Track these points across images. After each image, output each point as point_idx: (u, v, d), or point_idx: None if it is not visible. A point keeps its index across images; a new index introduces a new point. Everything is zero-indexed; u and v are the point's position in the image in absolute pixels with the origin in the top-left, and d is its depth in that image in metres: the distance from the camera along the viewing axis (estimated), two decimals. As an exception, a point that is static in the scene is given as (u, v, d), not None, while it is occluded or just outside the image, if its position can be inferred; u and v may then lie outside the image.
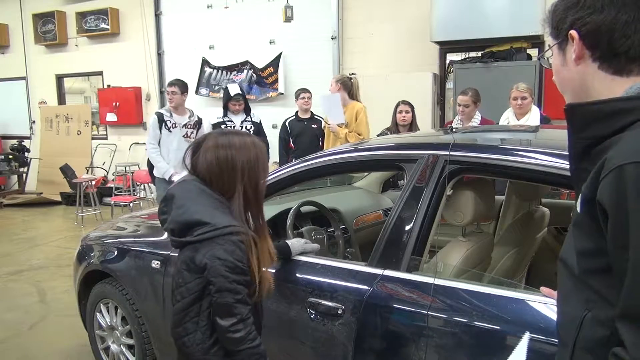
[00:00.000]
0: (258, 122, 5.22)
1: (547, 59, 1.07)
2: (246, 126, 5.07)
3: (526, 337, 1.12)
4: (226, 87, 5.38)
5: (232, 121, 5.07)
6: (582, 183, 0.88)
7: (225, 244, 1.51)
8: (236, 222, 1.56)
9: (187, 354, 1.61)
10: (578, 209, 0.90)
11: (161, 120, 4.74)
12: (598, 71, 0.91)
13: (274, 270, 1.87)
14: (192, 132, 4.84)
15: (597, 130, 0.87)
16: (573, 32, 0.91)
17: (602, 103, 0.87)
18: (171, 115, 4.79)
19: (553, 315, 1.26)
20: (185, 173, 1.78)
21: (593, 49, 0.90)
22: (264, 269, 1.63)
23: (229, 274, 1.50)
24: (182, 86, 4.86)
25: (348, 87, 4.81)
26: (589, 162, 0.87)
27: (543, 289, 1.43)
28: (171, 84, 4.88)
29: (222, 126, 5.01)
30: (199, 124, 4.95)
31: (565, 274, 0.94)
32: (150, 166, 4.97)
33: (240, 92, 5.22)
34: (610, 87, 0.90)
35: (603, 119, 0.86)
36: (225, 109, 5.13)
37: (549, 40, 1.01)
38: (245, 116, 5.15)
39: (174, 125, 4.76)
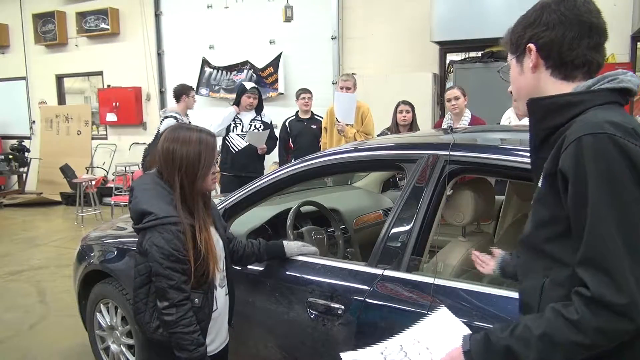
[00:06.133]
0: (269, 122, 5.03)
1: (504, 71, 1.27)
2: (255, 125, 4.91)
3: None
4: (241, 83, 5.32)
5: (240, 120, 4.89)
6: (541, 170, 1.08)
7: (165, 232, 1.60)
8: (177, 212, 1.64)
9: (141, 331, 1.77)
10: (540, 186, 1.09)
11: None
12: (550, 77, 1.12)
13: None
14: None
15: (552, 120, 1.07)
16: (531, 45, 1.11)
17: (556, 97, 1.08)
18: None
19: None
20: None
21: (546, 59, 1.11)
22: (211, 259, 1.69)
23: (164, 260, 1.59)
24: None
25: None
26: (545, 152, 1.07)
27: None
28: (192, 87, 5.19)
29: (231, 124, 4.89)
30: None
31: (524, 252, 1.14)
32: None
33: (256, 87, 5.10)
34: (560, 89, 1.10)
35: (557, 110, 1.06)
36: (237, 105, 4.91)
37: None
38: (255, 115, 4.96)
39: None
